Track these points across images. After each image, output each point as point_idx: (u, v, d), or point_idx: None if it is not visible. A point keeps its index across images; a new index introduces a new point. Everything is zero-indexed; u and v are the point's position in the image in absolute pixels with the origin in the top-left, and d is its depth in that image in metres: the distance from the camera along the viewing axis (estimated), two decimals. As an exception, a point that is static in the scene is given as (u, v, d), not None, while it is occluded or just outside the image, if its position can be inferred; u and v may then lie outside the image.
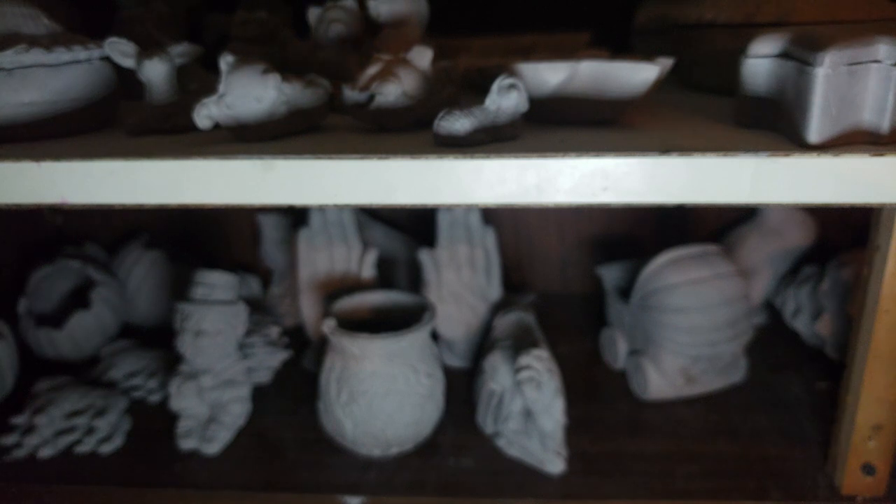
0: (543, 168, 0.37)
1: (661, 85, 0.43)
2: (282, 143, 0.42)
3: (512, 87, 0.40)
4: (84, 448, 0.57)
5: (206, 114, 0.41)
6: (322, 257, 0.69)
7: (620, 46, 0.62)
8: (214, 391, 0.59)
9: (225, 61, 0.42)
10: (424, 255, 0.67)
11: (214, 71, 0.46)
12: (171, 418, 0.59)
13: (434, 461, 0.56)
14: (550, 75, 0.42)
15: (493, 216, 0.74)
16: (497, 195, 0.38)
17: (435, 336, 0.64)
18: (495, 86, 0.40)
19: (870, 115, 0.37)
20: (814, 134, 0.36)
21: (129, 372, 0.66)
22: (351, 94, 0.43)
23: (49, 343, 0.69)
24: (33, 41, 0.44)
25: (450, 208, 0.68)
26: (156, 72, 0.46)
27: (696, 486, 0.51)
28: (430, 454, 0.57)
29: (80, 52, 0.46)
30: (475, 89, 0.54)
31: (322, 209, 0.68)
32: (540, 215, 0.82)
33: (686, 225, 0.82)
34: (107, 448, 0.58)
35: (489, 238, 0.69)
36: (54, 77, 0.45)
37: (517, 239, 0.83)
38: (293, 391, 0.66)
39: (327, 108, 0.46)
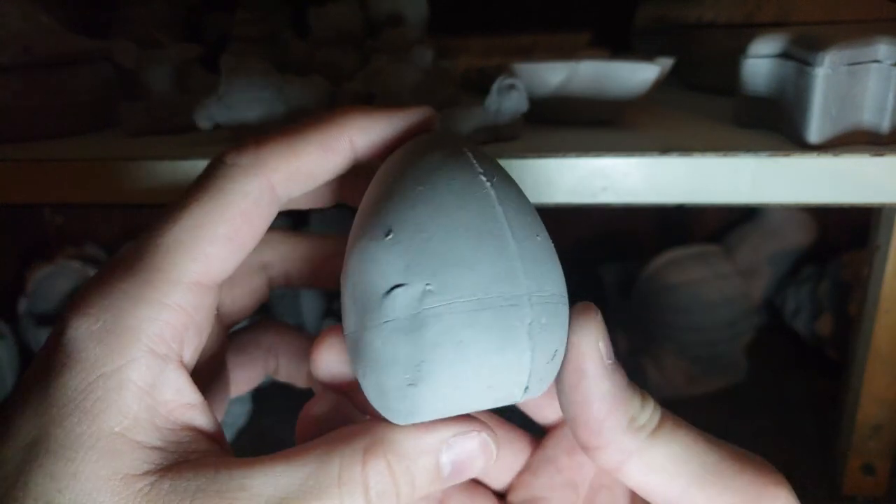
0: (543, 168, 0.37)
1: (661, 85, 0.43)
2: (282, 143, 0.42)
3: (512, 87, 0.40)
4: (84, 448, 0.57)
5: (206, 114, 0.41)
6: (322, 257, 0.69)
7: (620, 46, 0.62)
8: (214, 391, 0.59)
9: (225, 61, 0.42)
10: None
11: (214, 71, 0.46)
12: (171, 418, 0.59)
13: (434, 461, 0.56)
14: (550, 75, 0.42)
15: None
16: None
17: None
18: (495, 86, 0.40)
19: (870, 115, 0.37)
20: (814, 134, 0.36)
21: (129, 372, 0.66)
22: (351, 94, 0.43)
23: (49, 343, 0.69)
24: (33, 41, 0.44)
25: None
26: (157, 72, 0.46)
27: (696, 486, 0.51)
28: (430, 454, 0.57)
29: (80, 52, 0.46)
30: (475, 89, 0.54)
31: (322, 209, 0.68)
32: (540, 215, 0.82)
33: (686, 225, 0.82)
34: (107, 448, 0.58)
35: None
36: (54, 77, 0.45)
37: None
38: (293, 391, 0.65)
39: (327, 108, 0.46)
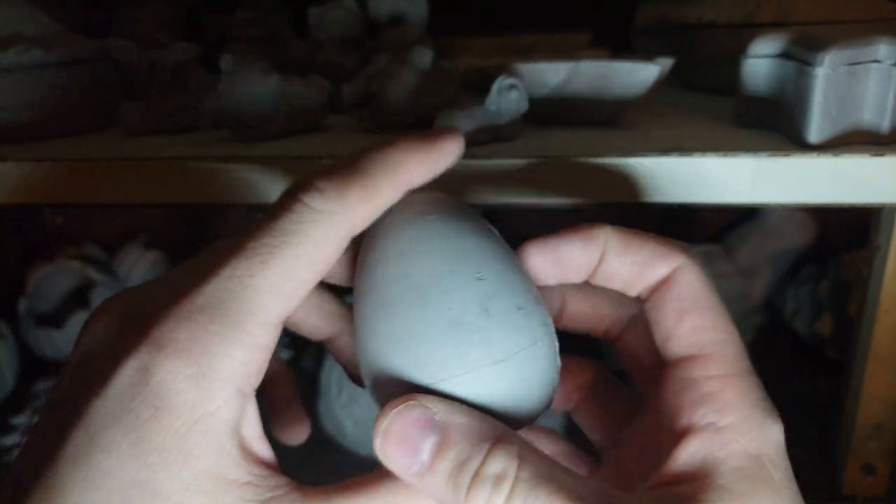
0: (544, 168, 0.37)
1: (661, 85, 0.43)
2: (282, 143, 0.42)
3: (512, 87, 0.40)
4: (84, 448, 0.57)
5: (207, 114, 0.41)
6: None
7: (620, 46, 0.62)
8: (214, 391, 0.59)
9: (225, 61, 0.42)
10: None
11: (214, 71, 0.46)
12: (171, 418, 0.59)
13: (434, 461, 0.56)
14: (550, 75, 0.42)
15: (493, 216, 0.74)
16: (497, 195, 0.38)
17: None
18: (495, 86, 0.40)
19: (870, 115, 0.37)
20: (814, 134, 0.36)
21: (129, 372, 0.66)
22: (351, 94, 0.43)
23: (49, 343, 0.69)
24: (33, 41, 0.44)
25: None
26: (157, 72, 0.46)
27: (696, 486, 0.51)
28: (430, 454, 0.56)
29: (80, 52, 0.46)
30: (475, 89, 0.54)
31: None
32: (540, 215, 0.82)
33: (686, 225, 0.82)
34: (107, 448, 0.58)
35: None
36: (54, 77, 0.45)
37: (517, 239, 0.83)
38: (293, 391, 0.65)
39: (327, 108, 0.46)
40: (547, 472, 0.18)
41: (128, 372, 0.18)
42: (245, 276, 0.19)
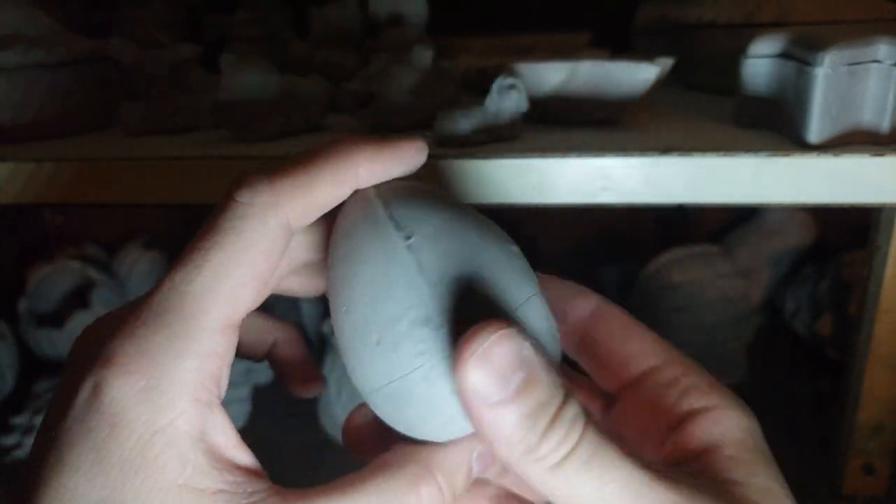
0: (543, 168, 0.37)
1: (661, 85, 0.43)
2: (282, 143, 0.42)
3: (512, 87, 0.40)
4: (84, 448, 0.57)
5: (207, 113, 0.41)
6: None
7: (620, 46, 0.62)
8: (214, 391, 0.59)
9: (225, 61, 0.42)
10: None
11: (214, 71, 0.46)
12: (171, 418, 0.58)
13: (434, 461, 0.56)
14: (550, 75, 0.42)
15: (493, 216, 0.74)
16: (497, 195, 0.38)
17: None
18: (495, 86, 0.40)
19: (870, 115, 0.37)
20: (814, 134, 0.36)
21: (129, 372, 0.66)
22: (351, 94, 0.43)
23: (49, 343, 0.69)
24: (33, 41, 0.44)
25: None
26: (156, 73, 0.46)
27: (696, 486, 0.51)
28: (430, 454, 0.56)
29: (80, 52, 0.46)
30: (475, 89, 0.54)
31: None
32: (540, 215, 0.82)
33: (686, 225, 0.82)
34: (107, 448, 0.58)
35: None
36: (54, 77, 0.45)
37: (517, 239, 0.83)
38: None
39: (327, 107, 0.46)
40: (604, 431, 0.19)
41: (84, 392, 0.19)
42: (182, 282, 0.19)
